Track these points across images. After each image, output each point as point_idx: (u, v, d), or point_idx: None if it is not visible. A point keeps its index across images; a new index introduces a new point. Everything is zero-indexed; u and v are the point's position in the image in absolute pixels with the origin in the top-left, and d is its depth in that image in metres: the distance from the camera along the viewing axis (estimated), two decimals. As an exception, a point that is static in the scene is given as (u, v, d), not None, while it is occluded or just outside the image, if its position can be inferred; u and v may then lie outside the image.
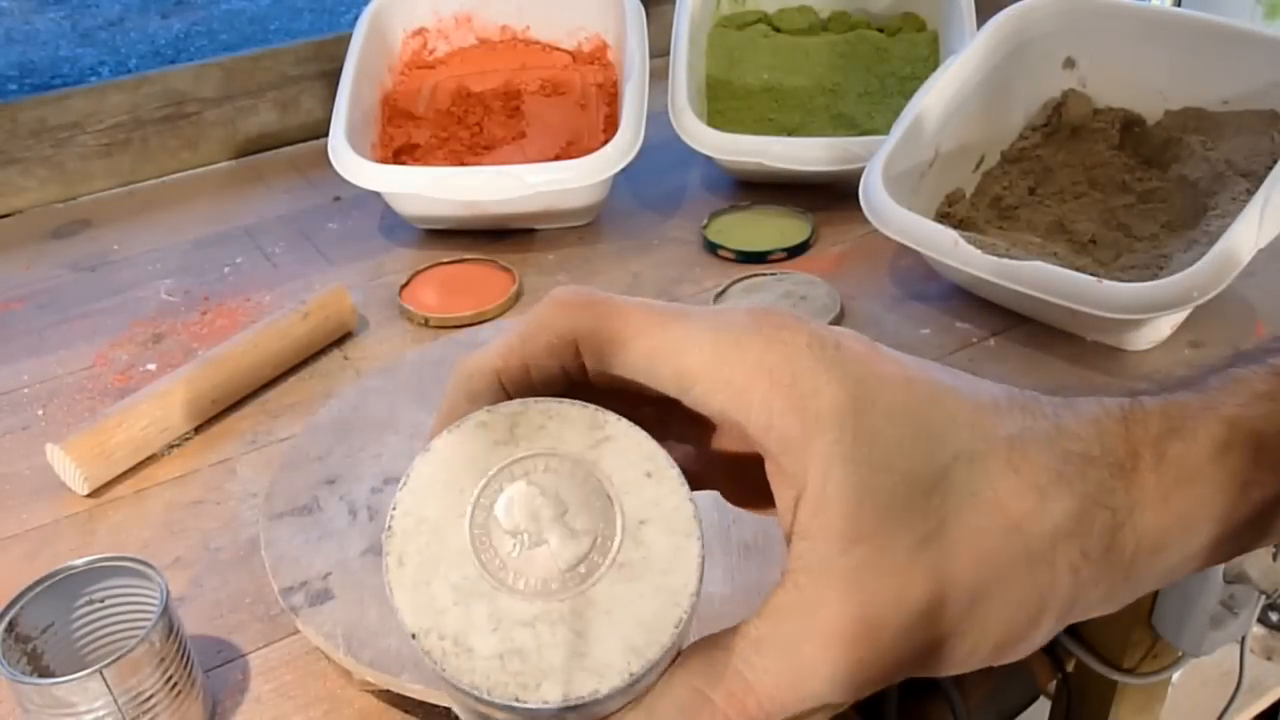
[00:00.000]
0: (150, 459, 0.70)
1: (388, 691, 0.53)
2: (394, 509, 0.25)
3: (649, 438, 0.27)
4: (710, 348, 0.28)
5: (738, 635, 0.27)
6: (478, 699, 0.24)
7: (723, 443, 0.32)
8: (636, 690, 0.25)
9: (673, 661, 0.26)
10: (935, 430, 0.28)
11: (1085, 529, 0.29)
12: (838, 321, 0.79)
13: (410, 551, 0.25)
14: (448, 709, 0.52)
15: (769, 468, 0.29)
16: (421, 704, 0.53)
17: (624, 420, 0.27)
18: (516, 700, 0.23)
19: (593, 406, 0.27)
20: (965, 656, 0.28)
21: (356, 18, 1.03)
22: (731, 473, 0.32)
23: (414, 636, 0.24)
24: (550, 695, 0.23)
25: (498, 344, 0.29)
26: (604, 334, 0.28)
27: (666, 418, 0.30)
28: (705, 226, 0.91)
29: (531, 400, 0.27)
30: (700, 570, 0.25)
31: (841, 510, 0.27)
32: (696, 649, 0.27)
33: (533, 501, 0.25)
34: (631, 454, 0.26)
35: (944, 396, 0.29)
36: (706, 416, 0.29)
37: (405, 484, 0.26)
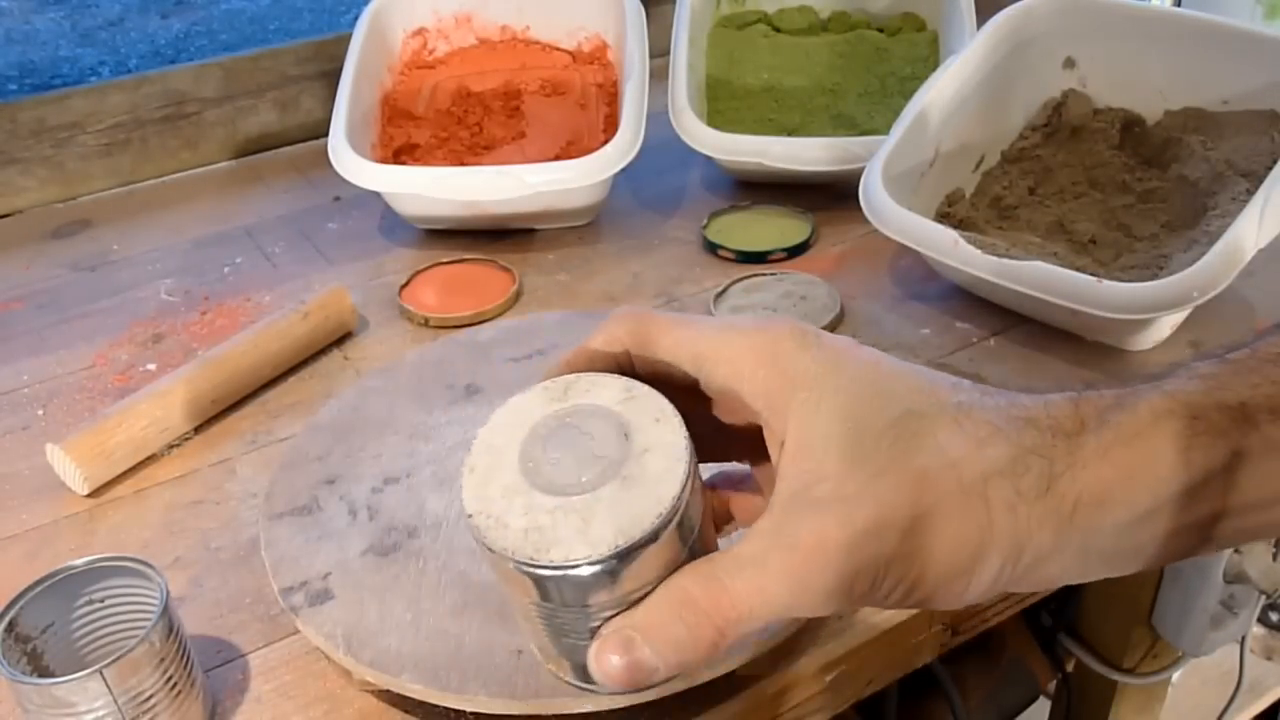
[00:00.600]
0: (150, 459, 0.70)
1: (387, 691, 0.53)
2: (475, 439, 0.36)
3: (663, 398, 0.36)
4: (717, 337, 0.36)
5: (724, 553, 0.34)
6: (506, 558, 0.33)
7: (742, 425, 0.38)
8: (625, 567, 0.33)
9: (657, 546, 0.33)
10: (893, 393, 0.34)
11: (1019, 471, 0.33)
12: (838, 321, 0.79)
13: (479, 465, 0.35)
14: (448, 709, 0.52)
15: (765, 434, 0.36)
16: (421, 704, 0.53)
17: (646, 386, 0.36)
18: (530, 559, 0.33)
19: (625, 379, 0.37)
20: (914, 583, 0.33)
21: (356, 18, 1.03)
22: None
23: (470, 515, 0.34)
24: (555, 557, 0.32)
25: (572, 348, 0.38)
26: (643, 334, 0.37)
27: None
28: (705, 226, 0.91)
29: (585, 374, 0.37)
30: (683, 484, 0.33)
31: (811, 454, 0.33)
32: (692, 564, 0.34)
33: (569, 436, 0.35)
34: (648, 407, 0.36)
35: (906, 373, 0.35)
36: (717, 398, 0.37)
37: (486, 425, 0.37)
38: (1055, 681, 0.95)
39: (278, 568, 0.56)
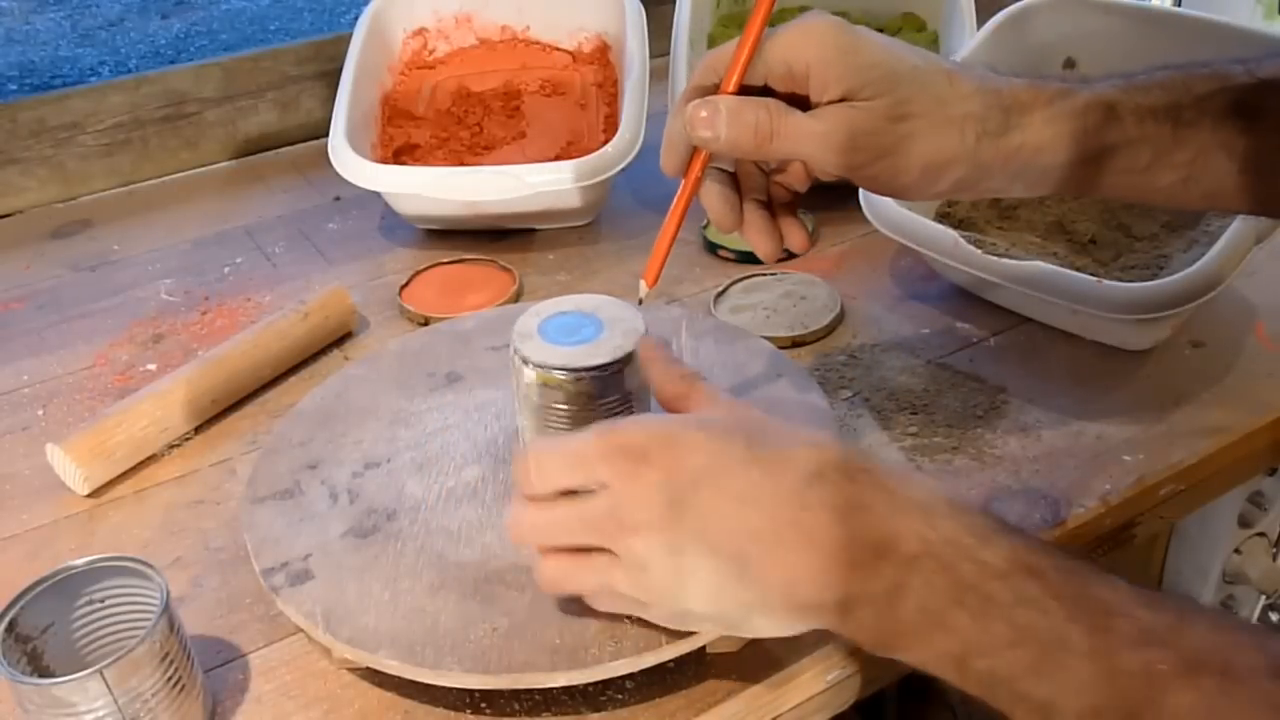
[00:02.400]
0: (150, 459, 0.70)
1: (375, 674, 0.53)
2: (515, 329, 0.57)
3: (616, 299, 0.58)
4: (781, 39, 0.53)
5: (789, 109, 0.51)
6: (541, 366, 0.54)
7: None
8: (615, 367, 0.54)
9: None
10: (905, 54, 0.51)
11: (986, 116, 0.51)
12: (838, 321, 0.79)
13: (525, 343, 0.56)
14: (448, 703, 0.52)
15: (816, 81, 0.51)
16: (420, 703, 0.53)
17: (607, 297, 0.59)
18: (563, 364, 0.54)
19: (588, 297, 0.59)
20: (903, 167, 0.51)
21: (356, 18, 1.03)
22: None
23: (517, 350, 0.55)
24: (578, 364, 0.54)
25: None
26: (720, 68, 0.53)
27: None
28: (705, 226, 0.91)
29: (559, 299, 0.59)
30: (643, 325, 0.56)
31: (851, 79, 0.50)
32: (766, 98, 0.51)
33: (575, 319, 0.57)
34: (611, 304, 0.58)
35: (911, 48, 0.52)
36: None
37: (516, 325, 0.57)
38: (1055, 681, 0.95)
39: (259, 549, 0.57)
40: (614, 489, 0.46)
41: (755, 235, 0.55)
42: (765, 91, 0.52)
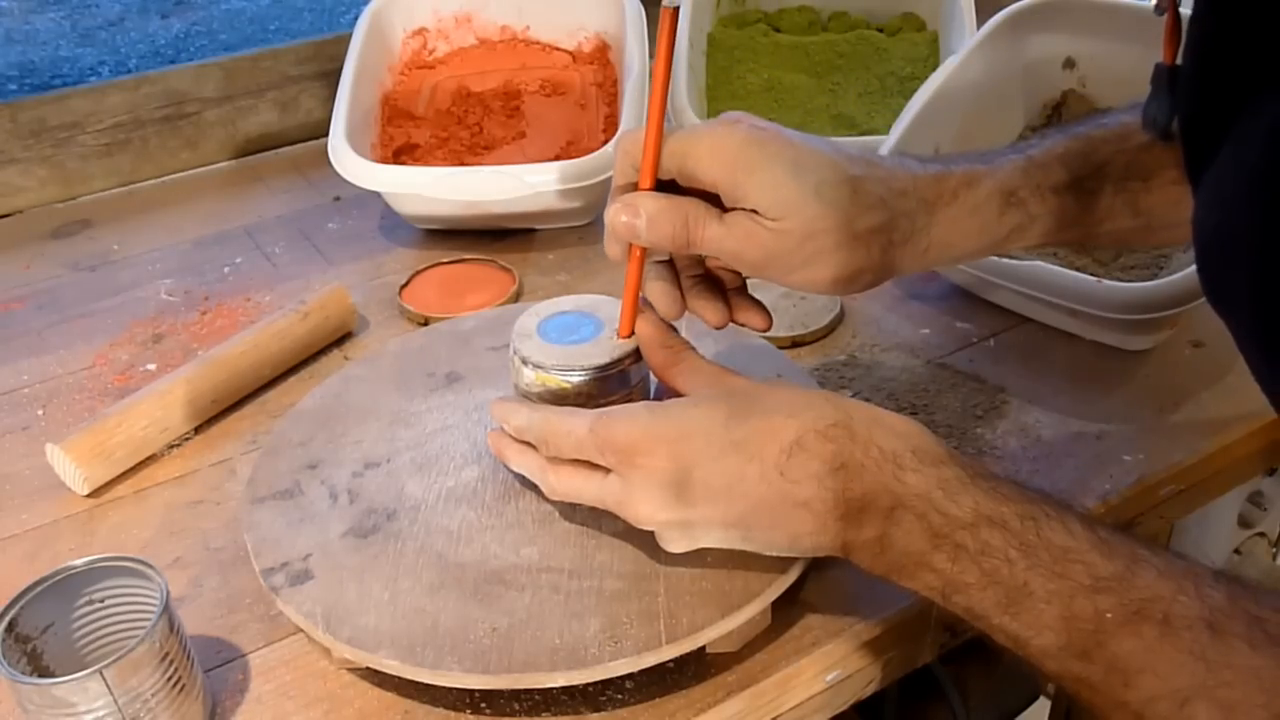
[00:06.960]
0: (150, 459, 0.71)
1: (375, 674, 0.54)
2: (515, 329, 0.58)
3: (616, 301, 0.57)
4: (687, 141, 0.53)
5: (712, 218, 0.52)
6: (540, 366, 0.56)
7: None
8: (615, 367, 0.56)
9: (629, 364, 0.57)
10: (807, 166, 0.51)
11: (893, 225, 0.54)
12: (838, 321, 0.79)
13: (525, 343, 0.57)
14: (448, 703, 0.52)
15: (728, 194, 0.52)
16: (420, 703, 0.53)
17: (606, 297, 0.60)
18: (563, 364, 0.55)
19: (585, 297, 0.61)
20: (816, 278, 0.53)
21: (356, 18, 1.03)
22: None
23: (516, 350, 0.57)
24: (577, 364, 0.55)
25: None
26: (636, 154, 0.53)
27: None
28: (705, 226, 0.91)
29: (558, 299, 0.61)
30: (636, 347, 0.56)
31: (763, 199, 0.51)
32: (698, 202, 0.52)
33: (566, 322, 0.58)
34: (609, 307, 0.58)
35: (818, 149, 0.53)
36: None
37: (515, 325, 0.59)
38: (1055, 681, 0.95)
39: (259, 549, 0.57)
40: (615, 476, 0.50)
41: (701, 307, 0.56)
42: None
